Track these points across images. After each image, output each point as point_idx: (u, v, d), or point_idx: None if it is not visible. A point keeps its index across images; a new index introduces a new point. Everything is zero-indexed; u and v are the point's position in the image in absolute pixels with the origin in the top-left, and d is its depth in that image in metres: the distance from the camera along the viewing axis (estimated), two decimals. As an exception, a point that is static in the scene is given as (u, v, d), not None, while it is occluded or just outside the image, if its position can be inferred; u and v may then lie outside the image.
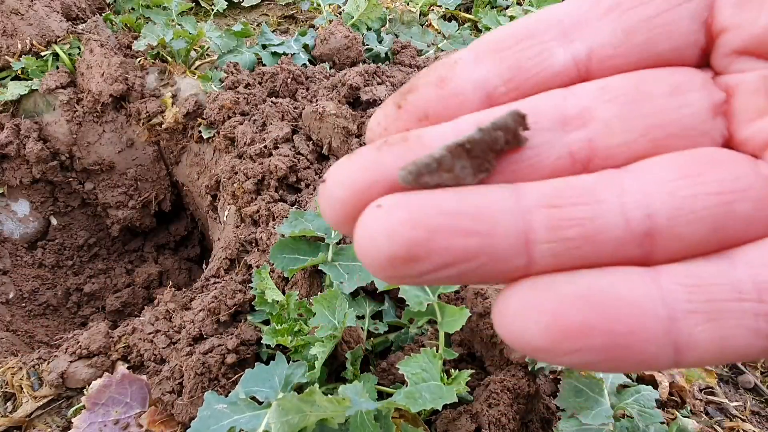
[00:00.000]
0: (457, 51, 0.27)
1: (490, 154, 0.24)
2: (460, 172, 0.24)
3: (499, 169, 0.24)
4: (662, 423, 0.85)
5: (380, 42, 1.92)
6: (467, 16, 2.22)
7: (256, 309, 1.08)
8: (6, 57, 1.70)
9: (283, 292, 1.09)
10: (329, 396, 0.65)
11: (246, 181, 1.37)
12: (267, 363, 0.86)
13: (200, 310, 1.13)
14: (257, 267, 1.19)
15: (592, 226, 0.22)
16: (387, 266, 0.22)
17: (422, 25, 2.13)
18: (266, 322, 1.08)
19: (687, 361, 0.21)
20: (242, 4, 2.30)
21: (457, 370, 0.82)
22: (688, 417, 1.08)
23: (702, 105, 0.24)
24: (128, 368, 1.07)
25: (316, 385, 0.65)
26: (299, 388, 0.84)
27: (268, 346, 1.05)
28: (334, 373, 0.98)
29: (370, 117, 1.40)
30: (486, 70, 0.25)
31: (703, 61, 0.26)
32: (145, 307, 1.29)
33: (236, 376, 1.01)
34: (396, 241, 0.21)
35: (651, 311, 0.20)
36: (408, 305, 0.87)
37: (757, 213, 0.22)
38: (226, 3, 2.27)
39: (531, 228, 0.22)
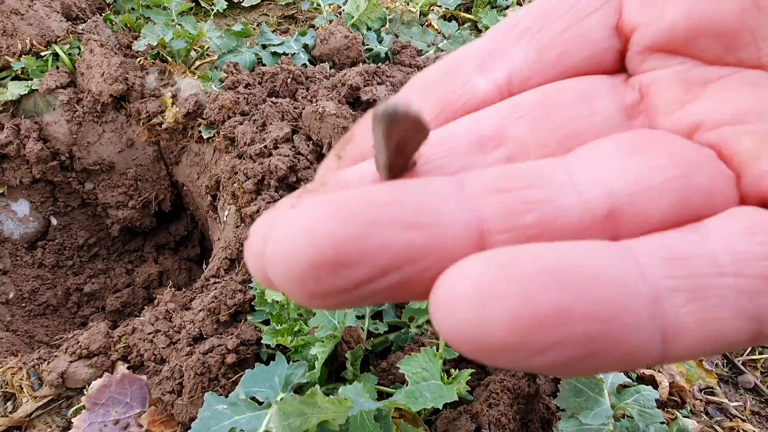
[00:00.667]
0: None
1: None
2: None
3: None
4: (662, 423, 0.85)
5: (380, 42, 1.92)
6: (467, 16, 2.22)
7: (256, 309, 1.08)
8: (6, 57, 1.70)
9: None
10: (330, 397, 0.65)
11: (246, 181, 1.37)
12: (267, 363, 0.86)
13: (200, 310, 1.13)
14: (257, 267, 1.19)
15: (550, 210, 0.19)
16: (310, 278, 0.16)
17: (422, 25, 2.13)
18: (266, 322, 1.08)
19: (674, 352, 0.17)
20: (242, 4, 2.30)
21: (457, 370, 0.82)
22: (688, 417, 1.08)
23: (613, 109, 0.24)
24: (128, 368, 1.07)
25: (317, 387, 0.65)
26: (299, 389, 0.84)
27: (268, 346, 1.05)
28: (334, 373, 0.98)
29: (370, 117, 1.40)
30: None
31: (615, 64, 0.25)
32: (145, 307, 1.29)
33: (236, 376, 1.01)
34: (321, 240, 0.16)
35: (633, 290, 0.16)
36: (408, 304, 0.87)
37: (713, 185, 0.20)
38: (226, 3, 2.27)
39: (482, 217, 0.18)
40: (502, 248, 0.17)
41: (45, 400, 1.10)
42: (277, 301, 0.99)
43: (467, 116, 0.25)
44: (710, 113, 0.22)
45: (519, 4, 2.18)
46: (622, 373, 0.93)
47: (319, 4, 2.19)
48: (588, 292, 0.16)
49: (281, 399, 0.77)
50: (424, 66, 1.71)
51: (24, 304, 1.66)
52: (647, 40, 0.24)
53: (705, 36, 0.22)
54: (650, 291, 0.17)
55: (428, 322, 1.02)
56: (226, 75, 1.68)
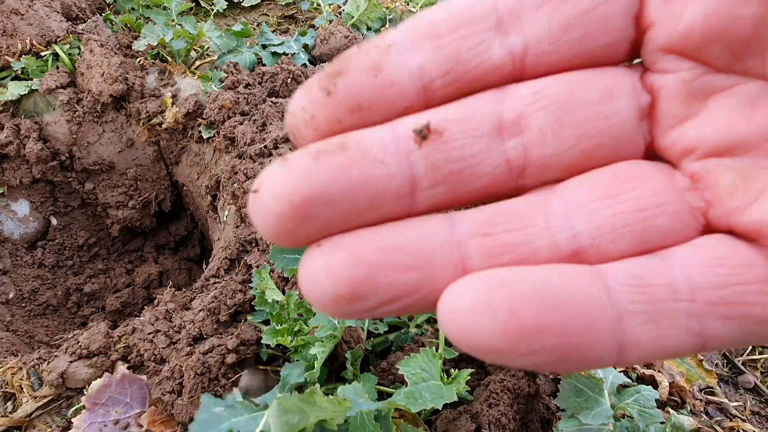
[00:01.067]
0: (390, 31, 0.25)
1: None
2: None
3: (441, 178, 0.24)
4: (662, 423, 0.85)
5: (380, 42, 1.92)
6: (467, 16, 2.22)
7: (256, 309, 1.08)
8: (6, 57, 1.70)
9: (283, 292, 1.09)
10: (330, 396, 0.65)
11: (246, 181, 1.37)
12: (267, 363, 0.86)
13: (200, 310, 1.13)
14: (257, 267, 1.19)
15: (523, 251, 0.23)
16: (333, 305, 0.22)
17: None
18: (266, 322, 1.08)
19: (628, 360, 0.21)
20: (242, 4, 2.30)
21: (457, 370, 0.82)
22: (683, 414, 1.08)
23: (629, 111, 0.25)
24: (128, 368, 1.07)
25: (317, 385, 0.65)
26: (299, 389, 0.84)
27: (268, 346, 1.05)
28: (334, 373, 0.98)
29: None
30: (423, 58, 0.24)
31: (633, 55, 0.26)
32: (145, 307, 1.29)
33: (236, 376, 1.01)
34: (338, 281, 0.21)
35: (601, 312, 0.21)
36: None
37: (674, 225, 0.23)
38: (226, 3, 2.27)
39: (467, 257, 0.22)
40: (495, 270, 0.21)
41: (45, 400, 1.10)
42: (277, 301, 0.99)
43: (490, 94, 0.25)
44: (702, 140, 0.23)
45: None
46: (622, 373, 0.93)
47: (319, 4, 2.19)
48: (563, 312, 0.20)
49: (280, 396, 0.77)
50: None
51: (24, 304, 1.66)
52: (663, 41, 0.24)
53: (718, 43, 0.23)
54: (614, 313, 0.21)
55: (428, 321, 1.02)
56: (226, 75, 1.68)
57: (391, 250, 0.22)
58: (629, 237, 0.23)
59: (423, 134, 0.23)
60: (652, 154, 0.25)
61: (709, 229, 0.23)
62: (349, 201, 0.22)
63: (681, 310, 0.21)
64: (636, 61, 0.26)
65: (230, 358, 1.01)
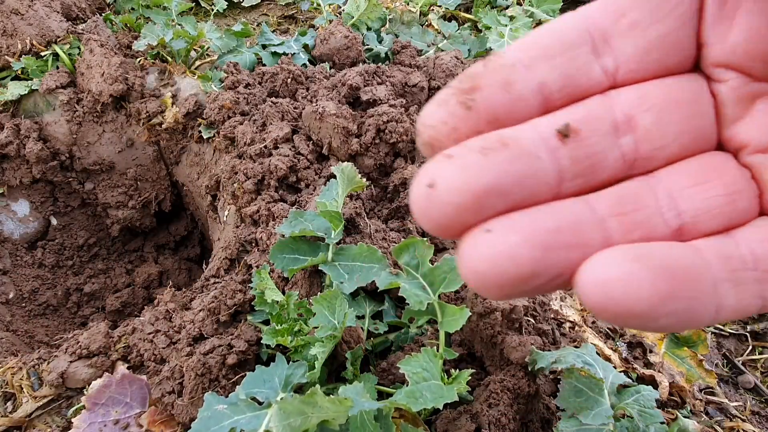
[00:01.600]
0: (503, 51, 0.29)
1: None
2: None
3: (580, 171, 0.28)
4: (662, 423, 0.85)
5: (380, 42, 1.92)
6: (467, 16, 2.22)
7: (256, 309, 1.08)
8: (6, 57, 1.70)
9: (283, 292, 1.09)
10: (331, 397, 0.65)
11: (246, 181, 1.37)
12: (267, 364, 0.86)
13: (200, 310, 1.13)
14: (257, 267, 1.19)
15: (647, 227, 0.27)
16: (508, 286, 0.24)
17: (422, 25, 2.13)
18: (266, 322, 1.08)
19: (720, 319, 0.26)
20: (242, 4, 2.30)
21: (457, 370, 0.82)
22: (688, 417, 1.08)
23: (710, 112, 0.30)
24: (128, 368, 1.07)
25: (318, 387, 0.65)
26: (299, 389, 0.84)
27: (268, 346, 1.05)
28: (334, 373, 0.98)
29: (370, 117, 1.40)
30: (542, 75, 0.29)
31: (695, 67, 0.31)
32: (145, 307, 1.29)
33: (237, 376, 1.01)
34: (520, 262, 0.24)
35: (707, 281, 0.26)
36: (408, 304, 0.86)
37: (750, 206, 0.29)
38: (226, 3, 2.27)
39: (609, 234, 0.27)
40: (624, 246, 0.26)
41: (45, 400, 1.10)
42: (277, 301, 0.99)
43: (600, 98, 0.29)
44: (752, 138, 0.29)
45: (519, 4, 2.18)
46: (622, 373, 0.93)
47: (319, 4, 2.19)
48: (685, 281, 0.25)
49: (281, 399, 0.77)
50: (424, 66, 1.71)
51: (24, 304, 1.66)
52: (712, 58, 0.30)
53: (757, 60, 0.28)
54: (713, 281, 0.26)
55: (428, 322, 1.02)
56: (226, 75, 1.68)
57: (556, 231, 0.25)
58: (720, 217, 0.28)
59: (565, 133, 0.28)
60: (719, 146, 0.31)
61: (763, 212, 0.29)
62: (518, 192, 0.26)
63: (750, 278, 0.26)
64: None
65: (231, 359, 1.01)
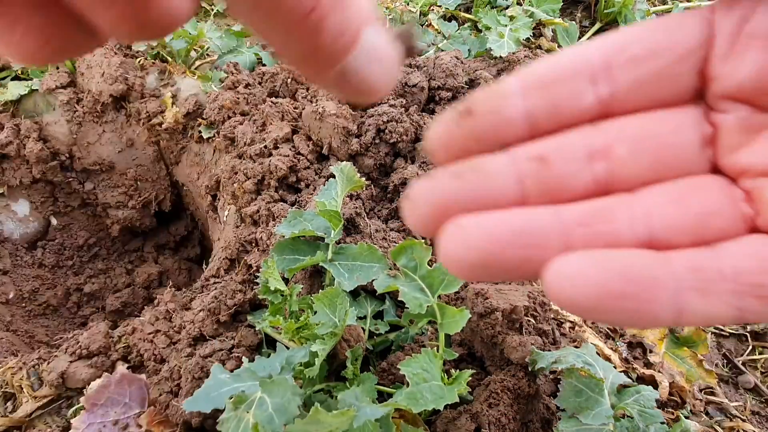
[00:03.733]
0: (506, 80, 0.33)
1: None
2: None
3: (543, 190, 0.31)
4: (662, 423, 0.85)
5: (380, 42, 1.91)
6: (467, 16, 2.22)
7: (260, 297, 1.07)
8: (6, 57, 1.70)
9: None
10: (333, 412, 0.66)
11: (246, 181, 1.37)
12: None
13: (200, 310, 1.13)
14: (257, 267, 1.19)
15: (612, 239, 0.30)
16: (467, 270, 0.29)
17: (422, 25, 2.13)
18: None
19: (683, 322, 0.29)
20: (242, 4, 2.30)
21: (457, 370, 0.82)
22: (688, 417, 1.08)
23: (695, 140, 0.32)
24: (128, 368, 1.07)
25: (317, 405, 0.66)
26: (300, 394, 0.84)
27: (267, 346, 1.05)
28: (334, 372, 0.98)
29: (370, 117, 1.40)
30: (532, 103, 0.32)
31: (697, 98, 0.33)
32: (145, 307, 1.29)
33: (236, 376, 1.01)
34: (477, 253, 0.29)
35: (666, 285, 0.28)
36: (407, 308, 0.86)
37: (727, 226, 0.30)
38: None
39: (571, 242, 0.30)
40: (590, 251, 0.29)
41: (45, 400, 1.10)
42: (281, 291, 0.98)
43: (583, 129, 0.33)
44: (754, 164, 0.31)
45: (519, 4, 2.18)
46: (623, 373, 0.93)
47: (319, 4, 2.19)
48: (639, 284, 0.28)
49: (271, 380, 0.79)
50: (424, 66, 1.71)
51: (24, 304, 1.66)
52: (722, 91, 0.32)
53: (764, 92, 0.31)
54: (675, 286, 0.28)
55: (428, 323, 1.02)
56: (226, 75, 1.68)
57: (519, 233, 0.29)
58: (691, 233, 0.30)
59: (533, 158, 0.31)
60: (717, 171, 0.33)
61: (755, 231, 0.31)
62: (476, 208, 0.31)
63: (726, 289, 0.28)
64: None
65: (230, 365, 1.01)
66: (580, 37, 2.10)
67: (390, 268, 0.98)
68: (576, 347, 0.99)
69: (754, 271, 0.29)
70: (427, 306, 0.85)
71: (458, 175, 0.31)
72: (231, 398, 0.75)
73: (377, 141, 1.38)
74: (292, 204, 1.33)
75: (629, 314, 0.28)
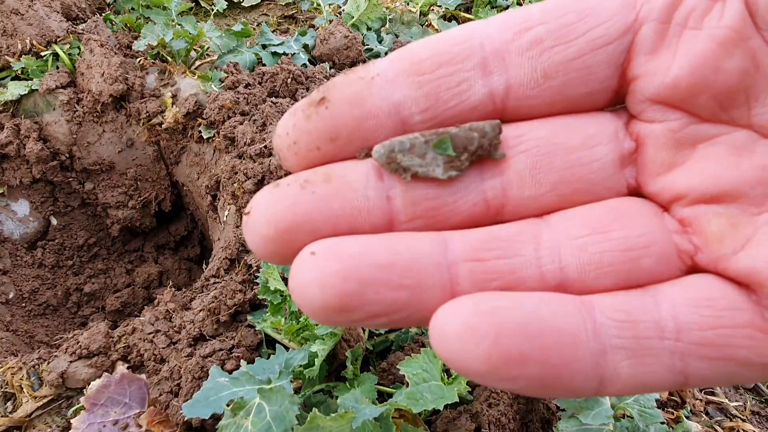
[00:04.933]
0: (377, 62, 0.25)
1: (464, 154, 0.24)
2: (431, 161, 0.23)
3: (420, 213, 0.24)
4: (662, 423, 0.85)
5: (380, 42, 1.92)
6: (467, 16, 2.22)
7: (260, 297, 1.07)
8: (6, 57, 1.70)
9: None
10: (332, 416, 0.66)
11: (246, 181, 1.37)
12: (267, 363, 0.87)
13: (200, 310, 1.13)
14: (257, 267, 1.19)
15: (511, 279, 0.23)
16: (321, 314, 0.22)
17: (422, 25, 2.13)
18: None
19: (607, 392, 0.22)
20: (242, 4, 2.30)
21: (457, 370, 0.82)
22: (688, 417, 1.08)
23: (609, 158, 0.25)
24: (128, 368, 1.07)
25: (315, 410, 0.67)
26: (300, 395, 0.84)
27: (267, 347, 1.05)
28: (334, 372, 0.98)
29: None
30: (403, 93, 0.24)
31: (615, 101, 0.26)
32: (145, 307, 1.29)
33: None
34: (329, 292, 0.22)
35: (584, 345, 0.21)
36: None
37: (660, 266, 0.23)
38: (226, 3, 2.27)
39: (456, 281, 0.23)
40: (486, 294, 0.22)
41: (45, 400, 1.10)
42: (281, 291, 0.98)
43: None
44: (691, 187, 0.24)
45: (519, 3, 2.18)
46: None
47: (319, 4, 2.19)
48: (546, 343, 0.21)
49: (269, 388, 0.79)
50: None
51: (24, 304, 1.66)
52: (650, 92, 0.24)
53: (704, 94, 0.23)
54: (598, 346, 0.21)
55: (428, 322, 1.02)
56: (226, 75, 1.68)
57: (383, 268, 0.22)
58: (614, 275, 0.23)
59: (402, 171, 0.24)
60: (638, 197, 0.26)
61: (697, 271, 0.24)
62: (330, 229, 0.23)
63: (665, 348, 0.22)
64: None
65: (230, 365, 1.01)
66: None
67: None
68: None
69: (701, 325, 0.22)
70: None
71: (309, 185, 0.24)
72: (229, 405, 0.74)
73: (377, 141, 1.38)
74: (292, 204, 1.33)
75: (536, 382, 0.21)
